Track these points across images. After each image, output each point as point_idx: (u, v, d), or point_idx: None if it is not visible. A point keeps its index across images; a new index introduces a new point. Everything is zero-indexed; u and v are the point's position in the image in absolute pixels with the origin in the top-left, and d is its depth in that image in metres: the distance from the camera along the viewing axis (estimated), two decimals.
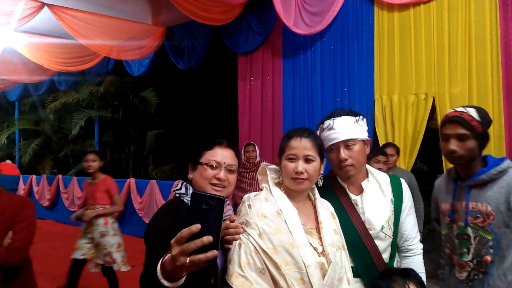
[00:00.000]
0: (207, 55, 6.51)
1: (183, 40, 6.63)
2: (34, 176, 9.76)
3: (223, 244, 1.43)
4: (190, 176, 1.54)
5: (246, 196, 1.51)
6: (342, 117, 1.66)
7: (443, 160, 4.31)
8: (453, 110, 1.69)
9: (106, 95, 8.68)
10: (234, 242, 1.40)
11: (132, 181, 7.64)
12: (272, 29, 5.64)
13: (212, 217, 0.92)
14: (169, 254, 0.95)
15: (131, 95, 8.50)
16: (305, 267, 1.33)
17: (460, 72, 4.25)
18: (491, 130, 4.01)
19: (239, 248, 1.37)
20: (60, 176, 9.30)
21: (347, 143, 1.63)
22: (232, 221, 1.45)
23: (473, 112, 1.63)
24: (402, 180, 1.79)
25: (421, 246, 1.80)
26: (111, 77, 8.53)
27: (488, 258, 1.61)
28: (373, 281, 1.61)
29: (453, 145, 1.63)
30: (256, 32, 5.77)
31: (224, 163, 1.48)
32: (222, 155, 1.49)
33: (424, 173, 7.15)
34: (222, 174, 1.47)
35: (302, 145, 1.47)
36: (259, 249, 1.35)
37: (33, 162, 9.77)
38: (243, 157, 4.83)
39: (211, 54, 6.60)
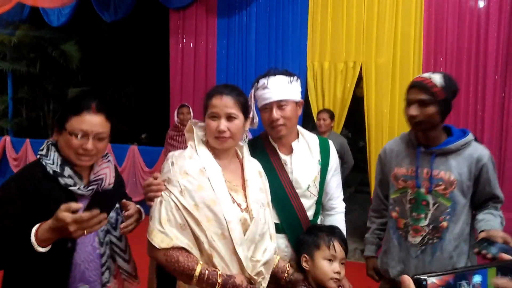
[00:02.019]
0: (135, 8, 6.09)
1: None
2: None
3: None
4: (55, 138, 1.46)
5: (170, 153, 1.49)
6: (277, 76, 1.67)
7: (366, 127, 4.57)
8: (419, 76, 1.72)
9: (21, 46, 7.84)
10: (155, 199, 1.40)
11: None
12: None
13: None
14: (45, 226, 1.21)
15: (50, 48, 7.76)
16: (226, 223, 1.36)
17: (386, 42, 4.45)
18: None
19: (160, 205, 1.38)
20: None
21: (280, 103, 1.65)
22: (155, 178, 1.43)
23: (437, 79, 1.64)
24: (330, 143, 1.87)
25: (343, 205, 1.92)
26: (26, 26, 7.68)
27: (445, 224, 1.68)
28: (298, 237, 1.70)
29: (413, 110, 1.65)
30: None
31: (92, 131, 1.39)
32: (90, 122, 1.38)
33: (348, 139, 7.53)
34: (89, 144, 1.39)
35: (223, 103, 1.46)
36: (180, 206, 1.36)
37: None
38: (176, 119, 4.70)
39: (140, 7, 6.20)
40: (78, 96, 1.50)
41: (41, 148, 1.44)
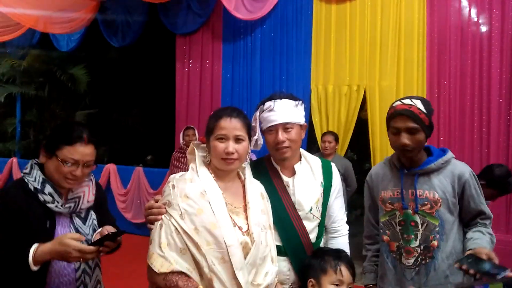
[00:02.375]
0: (143, 34, 6.25)
1: (117, 16, 6.29)
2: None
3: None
4: (42, 160, 1.53)
5: (171, 176, 1.49)
6: (283, 100, 1.69)
7: (371, 150, 4.58)
8: (400, 103, 1.68)
9: (30, 70, 8.01)
10: (156, 223, 1.40)
11: None
12: (213, 12, 5.56)
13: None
14: (45, 249, 1.38)
15: (59, 72, 7.92)
16: (226, 247, 1.35)
17: (389, 66, 4.51)
18: None
19: (160, 228, 1.38)
20: None
21: (285, 126, 1.67)
22: (156, 201, 1.45)
23: (420, 104, 1.64)
24: (333, 165, 1.87)
25: (347, 227, 1.91)
26: (36, 51, 7.87)
27: (435, 243, 1.67)
28: (303, 260, 1.69)
29: (405, 138, 1.63)
30: (196, 13, 5.65)
31: (83, 161, 1.50)
32: (82, 153, 1.50)
33: (353, 162, 7.51)
34: (79, 171, 1.50)
35: (232, 125, 1.47)
36: (180, 230, 1.35)
37: None
38: (181, 140, 4.74)
39: (148, 33, 6.35)
40: (69, 125, 1.56)
41: (26, 167, 1.54)
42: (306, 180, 1.76)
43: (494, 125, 4.10)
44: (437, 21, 4.34)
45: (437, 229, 1.66)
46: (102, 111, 8.51)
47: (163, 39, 6.77)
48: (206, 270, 1.34)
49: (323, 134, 4.49)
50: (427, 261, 1.68)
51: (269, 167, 1.78)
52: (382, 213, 1.82)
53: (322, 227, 1.82)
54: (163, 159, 7.06)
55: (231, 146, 1.45)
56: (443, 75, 4.30)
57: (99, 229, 1.62)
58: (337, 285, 1.56)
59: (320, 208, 1.77)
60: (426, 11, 4.36)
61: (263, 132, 1.72)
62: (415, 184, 1.70)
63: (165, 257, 1.33)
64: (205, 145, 1.56)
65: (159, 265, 1.32)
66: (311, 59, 4.93)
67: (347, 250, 1.82)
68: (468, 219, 1.72)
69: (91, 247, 1.42)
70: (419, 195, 1.69)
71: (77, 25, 6.37)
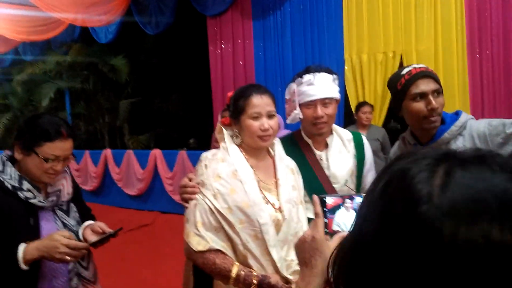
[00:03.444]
0: (176, 20, 6.32)
1: (149, 4, 6.41)
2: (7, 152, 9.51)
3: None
4: (18, 157, 1.48)
5: (203, 155, 1.52)
6: (322, 73, 1.66)
7: None
8: (413, 67, 1.54)
9: (75, 64, 8.40)
10: (190, 202, 1.44)
11: (108, 152, 7.56)
12: None
13: None
14: (33, 245, 1.38)
15: (100, 64, 8.24)
16: (260, 225, 1.38)
17: (426, 30, 4.29)
18: (456, 85, 4.16)
19: (195, 208, 1.41)
20: None
21: (324, 101, 1.65)
22: (190, 180, 1.47)
23: (428, 67, 1.54)
24: (363, 137, 1.85)
25: None
26: (78, 45, 8.23)
27: None
28: None
29: (435, 102, 1.46)
30: None
31: (64, 155, 1.50)
32: (62, 148, 1.48)
33: (398, 131, 7.33)
34: (59, 166, 1.50)
35: (264, 102, 1.47)
36: (214, 209, 1.39)
37: (6, 137, 9.50)
38: (219, 121, 4.83)
39: (180, 18, 6.42)
40: (45, 121, 1.49)
41: None
42: (339, 153, 1.75)
43: None
44: None
45: None
46: (144, 99, 8.79)
47: (195, 23, 6.82)
48: (240, 247, 1.38)
49: (360, 105, 4.38)
50: None
51: (300, 142, 1.77)
52: None
53: None
54: (204, 141, 7.22)
55: (266, 122, 1.46)
56: (484, 35, 4.04)
57: (86, 224, 1.63)
58: None
59: (355, 181, 1.76)
60: None
61: (300, 105, 1.69)
62: None
63: (201, 235, 1.38)
64: (227, 126, 1.58)
65: (196, 243, 1.37)
66: (343, 28, 4.79)
67: None
68: None
69: (83, 243, 1.44)
70: None
71: (112, 16, 6.55)
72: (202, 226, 1.39)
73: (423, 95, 1.47)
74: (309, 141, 1.76)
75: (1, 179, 1.45)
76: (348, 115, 5.03)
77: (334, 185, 1.71)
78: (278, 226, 1.44)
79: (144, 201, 7.15)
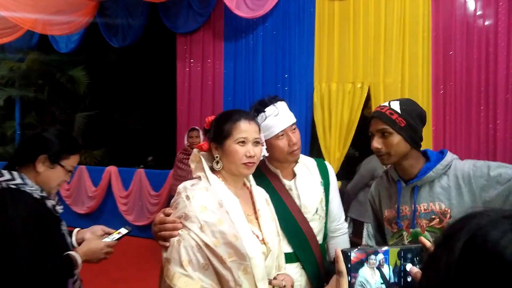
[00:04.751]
0: (143, 34, 6.18)
1: (117, 17, 6.23)
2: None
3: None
4: (40, 169, 1.56)
5: (181, 186, 1.40)
6: (279, 102, 1.67)
7: None
8: (379, 105, 1.58)
9: (29, 73, 7.97)
10: (172, 239, 1.30)
11: None
12: (214, 10, 5.50)
13: None
14: (80, 252, 1.58)
15: (58, 74, 7.87)
16: (249, 259, 1.29)
17: (394, 63, 4.45)
18: None
19: (179, 245, 1.28)
20: None
21: (291, 127, 1.65)
22: (168, 215, 1.35)
23: (395, 105, 1.51)
24: (327, 162, 1.87)
25: (346, 225, 1.89)
26: (35, 53, 7.81)
27: None
28: (313, 263, 1.66)
29: (376, 142, 1.51)
30: (197, 13, 5.59)
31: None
32: (77, 161, 1.68)
33: (355, 159, 7.53)
34: (68, 177, 1.66)
35: (252, 128, 1.42)
36: (202, 244, 1.27)
37: None
38: (186, 142, 4.69)
39: (148, 33, 6.29)
40: (70, 136, 1.69)
41: (10, 178, 1.52)
42: (307, 182, 1.73)
43: (501, 121, 4.04)
44: (442, 16, 4.29)
45: None
46: (102, 113, 8.46)
47: (164, 39, 6.72)
48: (231, 284, 1.27)
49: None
50: None
51: (267, 173, 1.72)
52: (390, 235, 1.63)
53: (327, 228, 1.80)
54: (164, 160, 7.01)
55: (252, 149, 1.40)
56: (448, 71, 4.25)
57: (77, 229, 1.76)
58: None
59: (324, 208, 1.75)
60: (431, 5, 4.30)
61: (268, 140, 1.64)
62: (414, 198, 1.51)
63: (189, 275, 1.25)
64: (205, 152, 1.49)
65: (184, 285, 1.24)
66: (314, 57, 4.87)
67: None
68: None
69: (113, 241, 1.66)
70: (424, 209, 1.50)
71: (76, 26, 6.32)
72: (189, 265, 1.26)
73: (371, 135, 1.56)
74: (277, 171, 1.72)
75: (28, 190, 1.51)
76: (314, 141, 5.07)
77: (305, 215, 1.68)
78: (264, 258, 1.37)
79: (94, 220, 6.78)
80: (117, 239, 1.68)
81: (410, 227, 1.52)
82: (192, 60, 5.76)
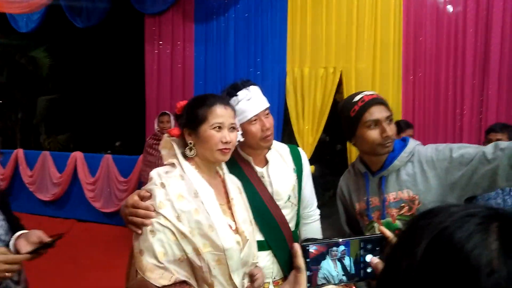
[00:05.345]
0: (110, 14, 5.93)
1: None
2: None
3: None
4: None
5: (154, 173, 1.32)
6: (252, 86, 1.61)
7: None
8: (365, 94, 1.51)
9: None
10: (145, 228, 1.23)
11: (20, 152, 6.85)
12: None
13: None
14: None
15: (18, 55, 7.47)
16: (224, 250, 1.26)
17: (365, 49, 4.47)
18: (390, 105, 4.37)
19: (153, 236, 1.21)
20: None
21: (265, 112, 1.60)
22: (142, 198, 1.27)
23: (378, 94, 1.53)
24: (300, 148, 1.84)
25: (318, 212, 1.88)
26: None
27: None
28: (286, 251, 1.63)
29: (389, 129, 1.46)
30: None
31: None
32: None
33: (326, 143, 7.64)
34: None
35: (228, 113, 1.38)
36: (178, 233, 1.22)
37: None
38: (156, 127, 4.57)
39: (115, 13, 6.03)
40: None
41: None
42: (280, 168, 1.70)
43: (467, 106, 4.16)
44: (413, 1, 4.32)
45: None
46: (66, 96, 8.12)
47: (131, 20, 6.47)
48: (207, 275, 1.24)
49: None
50: None
51: (239, 160, 1.67)
52: (363, 227, 1.63)
53: (299, 214, 1.79)
54: (133, 145, 6.84)
55: (228, 135, 1.36)
56: (418, 57, 4.31)
57: (18, 234, 1.45)
58: None
59: (297, 195, 1.74)
60: None
61: (241, 125, 1.58)
62: (382, 188, 1.51)
63: (165, 267, 1.20)
64: (176, 138, 1.42)
65: (159, 277, 1.19)
66: (286, 41, 4.82)
67: (320, 236, 1.83)
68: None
69: (21, 255, 1.31)
70: (393, 198, 1.50)
71: (37, 5, 5.96)
72: (165, 257, 1.21)
73: (377, 122, 1.46)
74: (249, 158, 1.68)
75: None
76: (287, 127, 5.06)
77: (277, 202, 1.66)
78: (239, 248, 1.34)
79: (59, 207, 6.57)
80: (32, 252, 1.35)
81: (381, 217, 1.51)
82: (161, 42, 5.58)
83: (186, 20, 5.39)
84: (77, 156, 6.40)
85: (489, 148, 1.33)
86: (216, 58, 5.23)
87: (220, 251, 1.25)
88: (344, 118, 1.55)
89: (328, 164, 7.20)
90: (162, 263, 1.20)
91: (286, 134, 5.29)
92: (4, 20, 6.68)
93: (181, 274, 1.22)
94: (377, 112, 1.46)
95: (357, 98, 1.51)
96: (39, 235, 1.40)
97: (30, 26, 6.50)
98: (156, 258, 1.20)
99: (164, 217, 1.22)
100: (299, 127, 4.80)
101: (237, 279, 1.29)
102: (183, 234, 1.22)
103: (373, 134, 1.46)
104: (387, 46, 4.38)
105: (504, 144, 1.31)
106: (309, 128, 4.72)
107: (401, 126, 3.56)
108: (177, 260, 1.22)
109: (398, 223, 1.48)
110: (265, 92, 1.63)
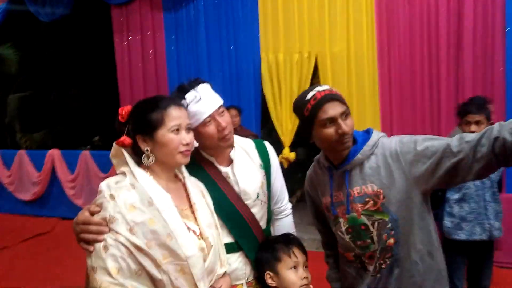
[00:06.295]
0: (75, 6, 5.69)
1: None
2: None
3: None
4: None
5: (103, 184, 1.25)
6: (201, 84, 1.52)
7: None
8: (317, 91, 1.42)
9: None
10: (97, 245, 1.17)
11: None
12: None
13: None
14: None
15: None
16: (186, 258, 1.21)
17: (339, 31, 4.38)
18: (366, 86, 4.33)
19: (106, 251, 1.16)
20: None
21: (218, 110, 1.51)
22: (93, 214, 1.21)
23: (329, 87, 1.45)
24: (266, 143, 1.76)
25: (290, 206, 1.83)
26: None
27: (391, 241, 1.40)
28: (255, 254, 1.60)
29: (345, 125, 1.38)
30: None
31: None
32: None
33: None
34: None
35: (183, 114, 1.33)
36: (132, 247, 1.16)
37: None
38: None
39: (80, 4, 5.80)
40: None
41: None
42: (245, 166, 1.63)
43: (443, 88, 4.11)
44: None
45: (389, 225, 1.40)
46: (37, 93, 7.86)
47: (98, 10, 6.23)
48: (169, 287, 1.19)
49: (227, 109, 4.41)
50: (388, 262, 1.42)
51: (201, 161, 1.59)
52: (331, 223, 1.58)
53: (270, 212, 1.73)
54: (112, 139, 6.70)
55: (187, 136, 1.31)
56: (393, 39, 4.24)
57: None
58: (294, 267, 1.54)
59: (266, 192, 1.68)
60: None
61: (195, 128, 1.49)
62: (346, 183, 1.45)
63: (120, 284, 1.14)
64: (127, 147, 1.33)
65: None
66: (259, 27, 4.70)
67: (293, 230, 1.78)
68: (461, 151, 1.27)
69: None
70: (357, 193, 1.44)
71: None
72: (119, 274, 1.15)
73: (332, 120, 1.38)
74: (212, 159, 1.60)
75: None
76: (264, 115, 4.99)
77: (246, 201, 1.60)
78: (204, 255, 1.28)
79: (40, 206, 6.46)
80: None
81: (346, 212, 1.47)
82: (130, 33, 5.41)
83: (154, 9, 5.22)
84: (55, 153, 6.26)
85: (454, 141, 1.29)
86: (188, 46, 5.10)
87: (181, 260, 1.20)
88: (299, 117, 1.48)
89: (313, 146, 7.13)
90: (116, 280, 1.14)
91: (265, 122, 5.23)
92: None
93: None
94: (331, 109, 1.37)
95: (309, 96, 1.42)
96: None
97: None
98: (109, 274, 1.14)
99: (116, 231, 1.17)
100: (278, 114, 4.74)
101: None
102: (137, 247, 1.16)
103: (329, 132, 1.39)
104: (360, 27, 4.29)
105: (469, 136, 1.27)
106: (288, 115, 4.66)
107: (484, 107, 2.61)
108: (134, 275, 1.17)
109: (364, 218, 1.43)
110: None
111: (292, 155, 4.76)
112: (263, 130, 5.20)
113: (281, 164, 4.86)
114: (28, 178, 6.45)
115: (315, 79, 4.89)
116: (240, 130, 4.31)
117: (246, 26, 4.75)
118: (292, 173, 4.83)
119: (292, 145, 4.81)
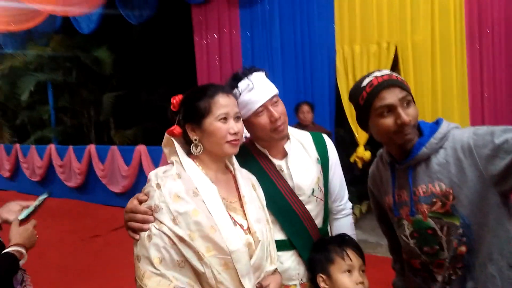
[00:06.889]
0: (160, 8, 6.04)
1: None
2: None
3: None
4: None
5: (152, 173, 1.25)
6: (255, 73, 1.44)
7: None
8: (375, 76, 1.26)
9: (56, 56, 8.09)
10: (142, 233, 1.16)
11: (92, 147, 7.33)
12: None
13: None
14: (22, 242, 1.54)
15: (83, 55, 7.92)
16: (230, 253, 1.15)
17: (422, 19, 4.07)
18: (454, 78, 3.92)
19: (149, 241, 1.15)
20: (18, 145, 8.85)
21: (272, 100, 1.43)
22: (141, 202, 1.21)
23: (391, 72, 1.27)
24: (324, 136, 1.64)
25: (350, 205, 1.68)
26: (59, 36, 7.89)
27: (463, 248, 1.22)
28: (309, 253, 1.50)
29: (405, 114, 1.20)
30: None
31: None
32: None
33: None
34: None
35: (232, 102, 1.28)
36: (175, 238, 1.13)
37: None
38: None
39: (164, 6, 6.13)
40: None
41: None
42: (301, 160, 1.54)
43: None
44: None
45: (460, 230, 1.20)
46: (130, 92, 8.48)
47: (180, 11, 6.53)
48: (212, 281, 1.15)
49: (299, 104, 4.28)
50: (459, 273, 1.23)
51: (255, 153, 1.53)
52: (394, 224, 1.41)
53: (327, 210, 1.62)
54: None
55: (235, 125, 1.26)
56: (485, 23, 3.79)
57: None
58: (349, 271, 1.41)
59: (323, 188, 1.56)
60: None
61: (249, 118, 1.44)
62: (409, 181, 1.27)
63: (162, 274, 1.12)
64: (177, 137, 1.31)
65: (155, 284, 1.12)
66: (334, 18, 4.52)
67: (353, 231, 1.64)
68: None
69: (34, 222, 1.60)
70: (423, 192, 1.26)
71: (93, 5, 6.24)
72: (161, 264, 1.13)
73: (390, 108, 1.21)
74: (265, 151, 1.52)
75: None
76: (339, 111, 4.78)
77: (300, 197, 1.50)
78: (250, 251, 1.22)
79: (129, 199, 6.92)
80: (34, 211, 1.63)
81: (410, 214, 1.29)
82: (208, 31, 5.58)
83: (231, 7, 5.32)
84: (141, 149, 6.67)
85: None
86: (263, 42, 5.11)
87: (225, 254, 1.15)
88: (355, 107, 1.33)
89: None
90: (158, 270, 1.13)
91: (339, 118, 5.01)
92: (69, 24, 7.11)
93: (181, 281, 1.14)
94: (389, 96, 1.21)
95: (365, 82, 1.27)
96: (19, 202, 1.62)
97: (91, 27, 6.86)
98: (152, 264, 1.13)
99: (159, 221, 1.16)
100: (352, 110, 4.50)
101: (248, 285, 1.18)
102: (180, 238, 1.14)
103: (387, 122, 1.22)
104: (446, 14, 3.92)
105: None
106: None
107: None
108: (176, 266, 1.14)
109: (430, 222, 1.24)
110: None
111: (367, 154, 4.49)
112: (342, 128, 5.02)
113: (355, 164, 4.64)
114: (119, 172, 6.97)
115: (395, 71, 4.56)
116: (313, 127, 4.18)
117: (321, 18, 4.62)
118: (367, 174, 4.56)
119: (369, 144, 4.55)
